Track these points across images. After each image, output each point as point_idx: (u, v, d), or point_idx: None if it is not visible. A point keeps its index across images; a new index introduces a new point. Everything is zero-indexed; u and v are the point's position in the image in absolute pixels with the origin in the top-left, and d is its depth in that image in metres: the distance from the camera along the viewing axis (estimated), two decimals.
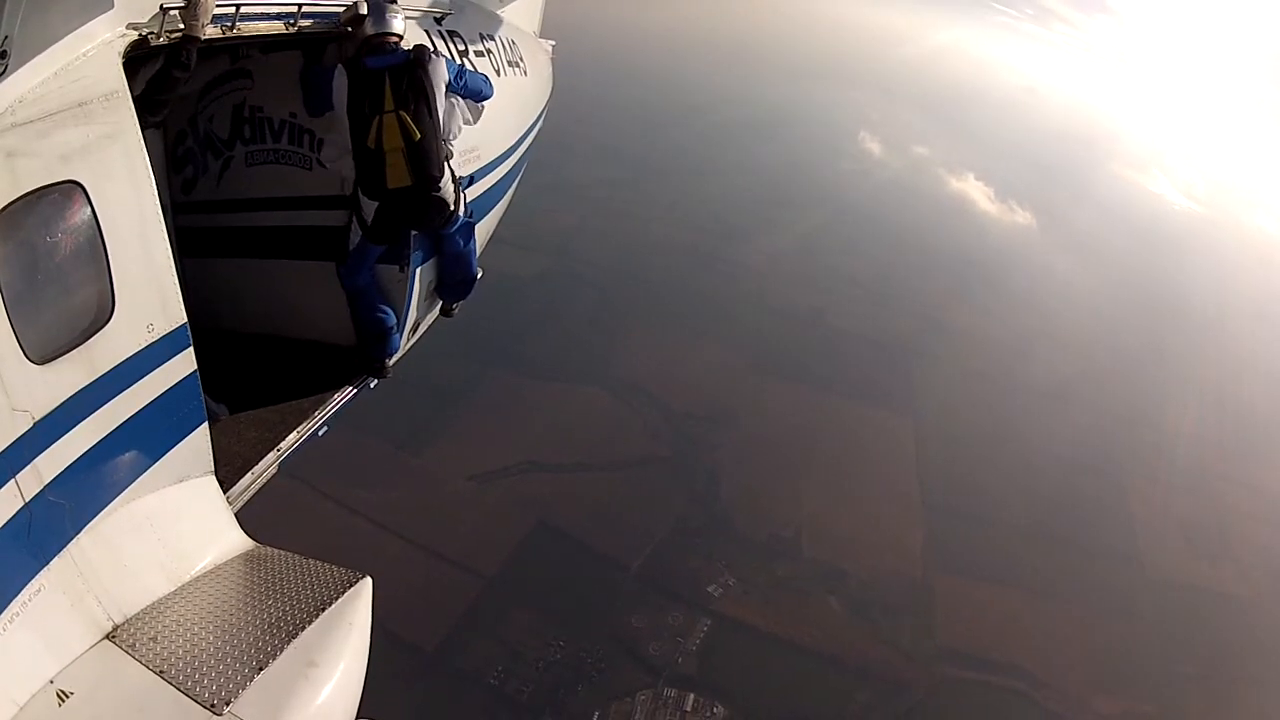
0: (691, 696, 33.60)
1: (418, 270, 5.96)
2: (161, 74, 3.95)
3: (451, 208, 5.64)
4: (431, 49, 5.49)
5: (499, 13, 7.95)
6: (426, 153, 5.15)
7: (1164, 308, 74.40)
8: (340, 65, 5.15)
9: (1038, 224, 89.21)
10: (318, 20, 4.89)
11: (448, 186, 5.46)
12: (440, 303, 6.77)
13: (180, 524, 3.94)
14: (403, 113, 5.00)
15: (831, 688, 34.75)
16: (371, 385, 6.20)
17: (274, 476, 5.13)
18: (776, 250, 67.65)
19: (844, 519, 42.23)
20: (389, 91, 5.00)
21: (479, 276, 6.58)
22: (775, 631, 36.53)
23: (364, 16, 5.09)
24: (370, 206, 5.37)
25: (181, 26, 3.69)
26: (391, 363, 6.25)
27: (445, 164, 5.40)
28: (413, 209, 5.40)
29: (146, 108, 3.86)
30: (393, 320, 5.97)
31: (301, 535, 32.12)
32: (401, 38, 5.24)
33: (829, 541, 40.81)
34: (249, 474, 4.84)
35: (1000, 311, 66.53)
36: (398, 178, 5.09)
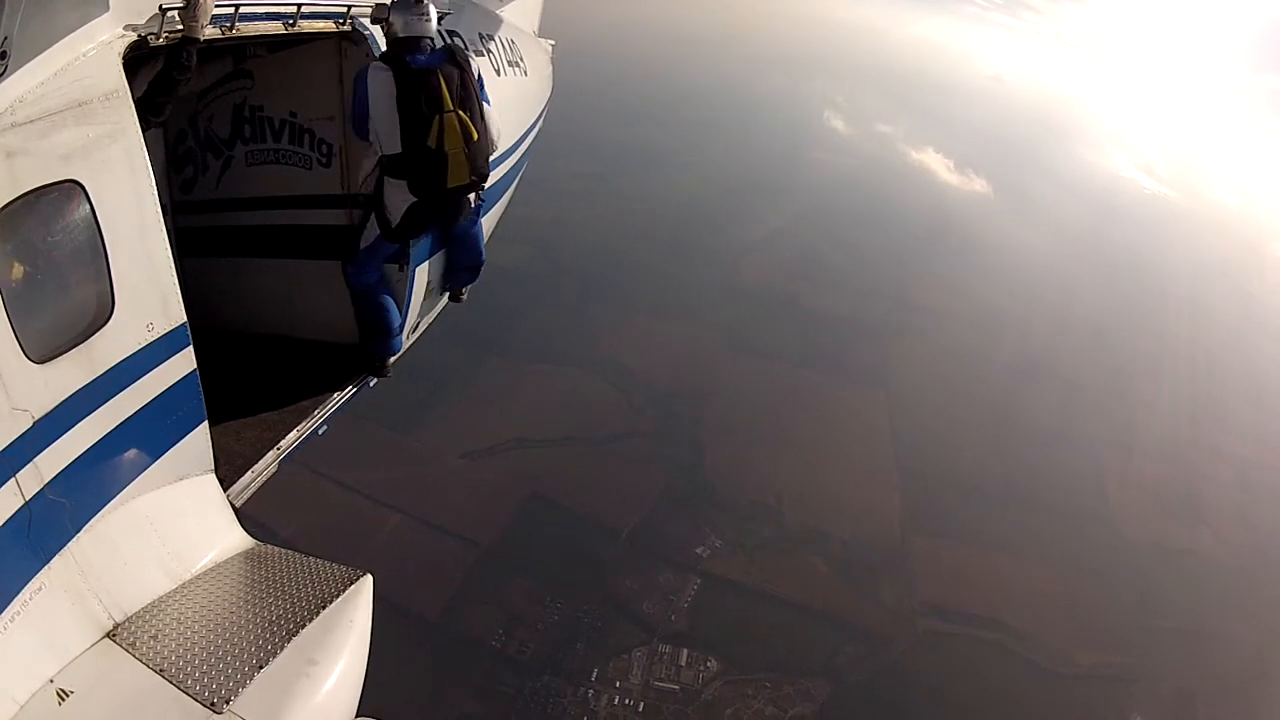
0: (685, 651, 34.05)
1: (418, 269, 5.77)
2: (162, 75, 3.79)
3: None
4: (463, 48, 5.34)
5: (499, 12, 7.74)
6: (483, 151, 5.06)
7: (1130, 282, 74.98)
8: (377, 62, 4.88)
9: (1012, 208, 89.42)
10: (317, 20, 4.72)
11: None
12: (443, 299, 6.56)
13: (180, 522, 3.82)
14: (461, 113, 4.85)
15: (819, 640, 35.26)
16: (371, 384, 6.02)
17: (276, 471, 5.01)
18: (750, 236, 67.77)
19: (823, 486, 42.59)
20: (445, 91, 4.81)
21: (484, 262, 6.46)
22: (763, 589, 36.96)
23: (394, 5, 4.86)
24: (399, 208, 5.11)
25: (180, 27, 3.56)
26: (392, 361, 6.07)
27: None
28: (457, 205, 5.29)
29: (147, 109, 3.74)
30: (398, 319, 5.79)
31: (303, 516, 32.56)
32: (433, 39, 5.02)
33: (810, 506, 41.17)
34: (249, 472, 4.72)
35: (968, 288, 66.92)
36: (458, 176, 4.95)
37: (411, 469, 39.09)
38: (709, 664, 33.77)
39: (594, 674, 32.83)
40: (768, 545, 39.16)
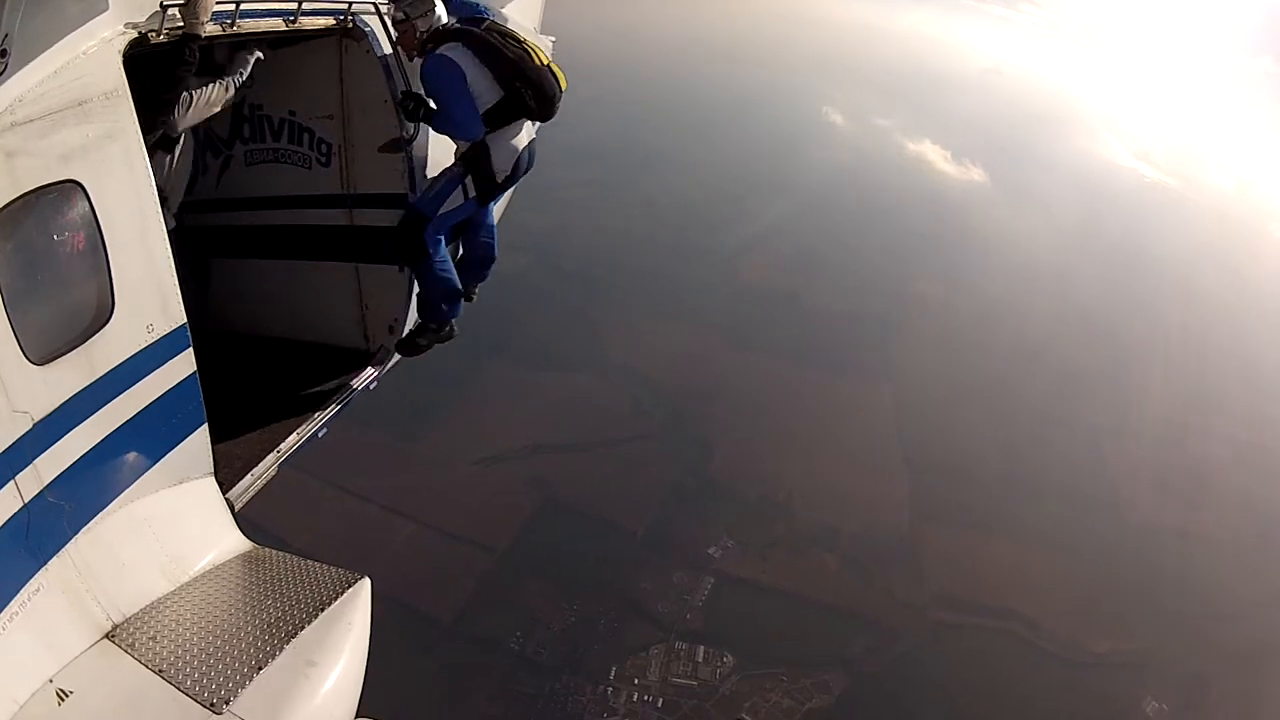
0: (701, 648, 34.09)
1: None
2: (166, 72, 3.78)
3: None
4: None
5: (502, 10, 7.74)
6: None
7: (1131, 270, 74.14)
8: (448, 44, 5.03)
9: (1011, 199, 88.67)
10: (318, 17, 4.68)
11: None
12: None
13: (179, 525, 3.77)
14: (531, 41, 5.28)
15: (833, 635, 35.18)
16: (372, 387, 5.94)
17: (276, 474, 4.93)
18: (749, 236, 67.24)
19: (831, 480, 42.43)
20: (511, 32, 5.23)
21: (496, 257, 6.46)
22: (775, 585, 36.87)
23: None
24: (509, 157, 5.36)
25: (181, 24, 3.52)
26: (397, 359, 5.99)
27: None
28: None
29: (153, 107, 3.73)
30: (457, 279, 5.79)
31: (317, 525, 32.62)
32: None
33: (818, 501, 41.05)
34: (249, 475, 4.64)
35: (970, 280, 66.37)
36: (563, 82, 5.31)
37: (424, 476, 39.10)
38: (725, 659, 33.76)
39: (612, 672, 32.86)
40: (779, 543, 39.07)
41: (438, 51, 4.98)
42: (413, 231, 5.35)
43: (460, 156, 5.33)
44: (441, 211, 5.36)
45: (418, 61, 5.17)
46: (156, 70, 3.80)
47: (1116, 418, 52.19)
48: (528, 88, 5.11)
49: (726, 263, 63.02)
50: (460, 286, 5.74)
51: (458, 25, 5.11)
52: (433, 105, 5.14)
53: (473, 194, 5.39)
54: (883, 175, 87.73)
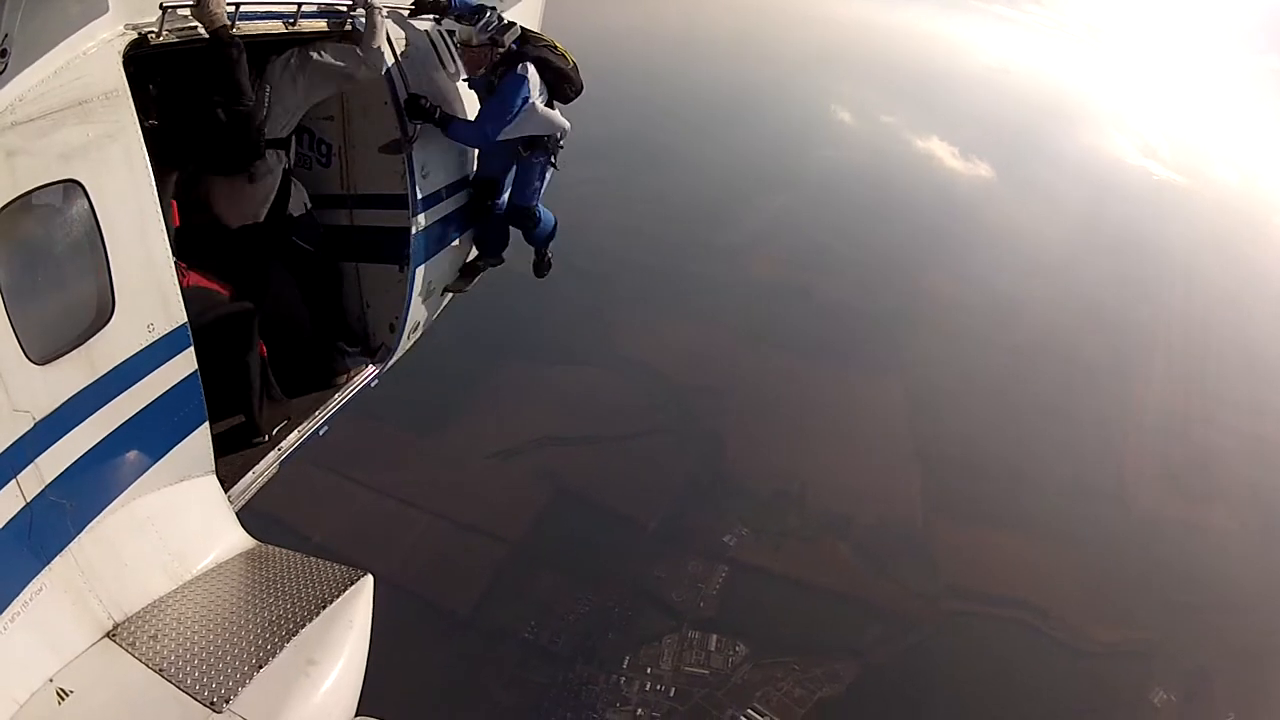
0: (714, 637, 34.07)
1: (418, 270, 5.66)
2: (224, 61, 3.85)
3: None
4: None
5: (503, 15, 7.70)
6: None
7: (1139, 265, 73.77)
8: (521, 65, 5.57)
9: (1018, 194, 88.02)
10: (316, 20, 4.62)
11: None
12: (445, 298, 6.50)
13: (181, 523, 3.74)
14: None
15: (845, 624, 35.10)
16: (373, 385, 5.90)
17: (278, 471, 4.90)
18: (758, 232, 67.07)
19: (844, 472, 42.27)
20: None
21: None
22: (789, 574, 36.82)
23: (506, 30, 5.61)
24: (563, 135, 6.16)
25: (194, 24, 3.56)
26: (397, 357, 6.06)
27: None
28: None
29: (232, 91, 3.92)
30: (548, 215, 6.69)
31: (335, 520, 32.72)
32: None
33: (831, 493, 40.93)
34: (250, 473, 4.60)
35: (975, 276, 66.01)
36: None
37: (439, 470, 39.10)
38: (738, 648, 33.75)
39: (625, 661, 32.87)
40: (792, 532, 38.98)
41: (517, 70, 5.55)
42: (526, 217, 6.47)
43: (540, 145, 6.07)
44: (541, 192, 6.43)
45: (415, 66, 5.37)
46: (214, 65, 3.87)
47: (1124, 410, 51.95)
48: (572, 87, 6.05)
49: (737, 259, 62.94)
50: (545, 215, 6.78)
51: (519, 47, 5.68)
52: (447, 112, 5.37)
53: (554, 162, 6.30)
54: (891, 171, 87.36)
